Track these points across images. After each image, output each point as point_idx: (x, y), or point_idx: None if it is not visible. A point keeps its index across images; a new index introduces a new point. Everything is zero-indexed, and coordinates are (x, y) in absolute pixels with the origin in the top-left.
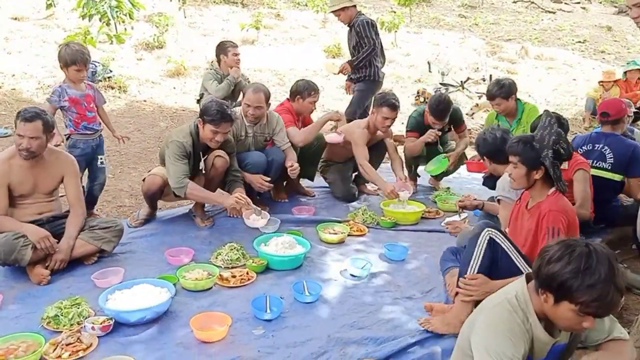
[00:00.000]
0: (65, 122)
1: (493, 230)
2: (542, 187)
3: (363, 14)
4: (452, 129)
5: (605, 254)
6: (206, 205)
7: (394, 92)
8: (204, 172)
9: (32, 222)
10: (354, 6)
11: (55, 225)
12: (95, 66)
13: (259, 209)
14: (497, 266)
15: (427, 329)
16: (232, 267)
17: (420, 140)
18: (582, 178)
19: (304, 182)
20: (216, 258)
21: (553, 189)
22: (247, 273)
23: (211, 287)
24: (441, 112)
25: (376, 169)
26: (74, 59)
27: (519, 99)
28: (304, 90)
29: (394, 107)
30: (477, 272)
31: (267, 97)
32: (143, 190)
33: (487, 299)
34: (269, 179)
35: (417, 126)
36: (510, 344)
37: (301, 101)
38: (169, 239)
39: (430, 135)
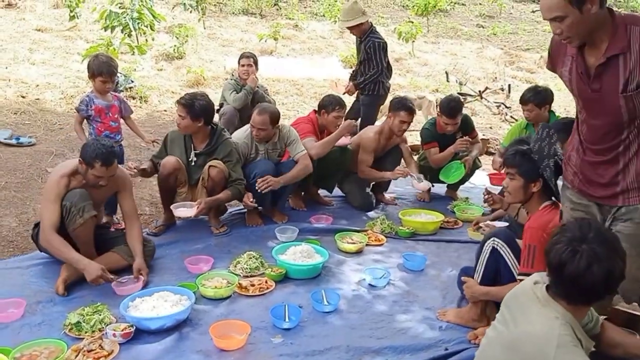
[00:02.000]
0: (89, 130)
1: (498, 240)
2: (537, 201)
3: (375, 31)
4: (463, 136)
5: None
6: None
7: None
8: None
9: None
10: (367, 20)
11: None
12: (118, 77)
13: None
14: (500, 275)
15: (442, 319)
16: (251, 276)
17: (449, 150)
18: None
19: (322, 192)
20: (235, 266)
21: (547, 202)
22: (266, 282)
23: (230, 296)
24: (452, 109)
25: None
26: (100, 70)
27: (552, 111)
28: (329, 105)
29: (411, 110)
30: (482, 279)
31: (274, 118)
32: (159, 176)
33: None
34: (252, 199)
35: (433, 137)
36: None
37: (326, 115)
38: (188, 247)
39: (462, 144)
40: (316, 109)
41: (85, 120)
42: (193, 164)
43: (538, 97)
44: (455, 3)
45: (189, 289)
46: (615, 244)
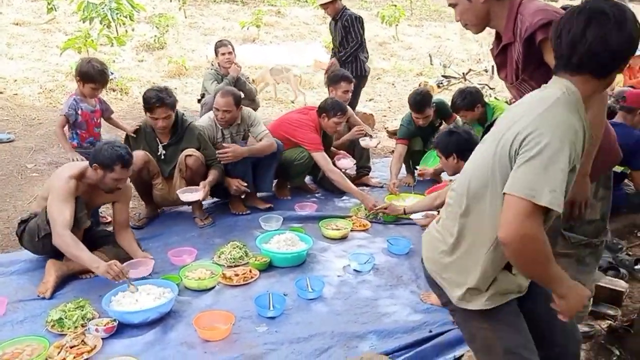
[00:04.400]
0: (71, 134)
1: None
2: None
3: (348, 9)
4: (444, 123)
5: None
6: (204, 204)
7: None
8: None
9: None
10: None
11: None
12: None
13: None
14: None
15: (425, 301)
16: (235, 266)
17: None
18: None
19: (307, 180)
20: (219, 257)
21: None
22: (250, 271)
23: (214, 286)
24: (418, 103)
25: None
26: (93, 79)
27: (487, 103)
28: (331, 110)
29: (349, 79)
30: None
31: (237, 99)
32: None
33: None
34: (245, 183)
35: (410, 133)
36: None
37: (326, 120)
38: (171, 239)
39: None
40: (317, 110)
41: (67, 123)
42: (163, 157)
43: (465, 103)
44: None
45: (172, 281)
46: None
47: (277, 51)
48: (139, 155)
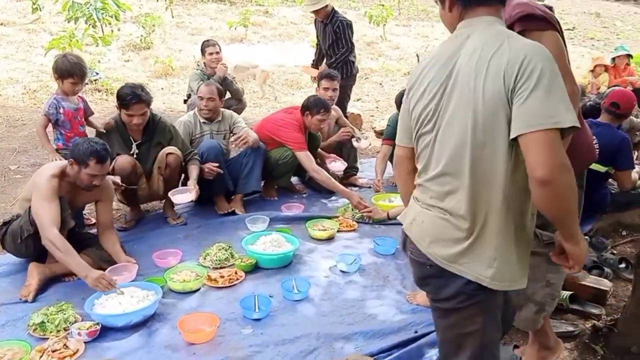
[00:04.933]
0: (55, 135)
1: None
2: None
3: (338, 12)
4: None
5: None
6: (176, 206)
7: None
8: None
9: None
10: (329, 3)
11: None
12: (88, 72)
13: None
14: None
15: (412, 302)
16: (221, 267)
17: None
18: None
19: (294, 180)
20: (204, 259)
21: None
22: (236, 273)
23: (199, 288)
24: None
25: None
26: (71, 72)
27: None
28: (314, 107)
29: (331, 76)
30: None
31: (219, 90)
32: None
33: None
34: (216, 164)
35: (395, 133)
36: None
37: (310, 117)
38: (157, 241)
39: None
40: (300, 109)
41: (50, 125)
42: (135, 155)
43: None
44: None
45: (156, 283)
46: None
47: (265, 51)
48: (125, 161)
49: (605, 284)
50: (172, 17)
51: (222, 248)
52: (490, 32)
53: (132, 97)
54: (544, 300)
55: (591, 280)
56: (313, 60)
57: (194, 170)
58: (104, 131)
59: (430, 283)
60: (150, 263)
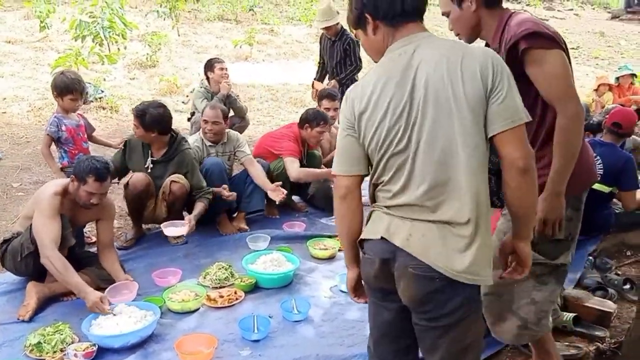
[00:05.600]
0: (60, 153)
1: None
2: None
3: (347, 31)
4: None
5: None
6: None
7: None
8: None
9: None
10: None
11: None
12: (87, 87)
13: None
14: None
15: None
16: (221, 287)
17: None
18: None
19: (296, 199)
20: (204, 278)
21: None
22: (235, 292)
23: (198, 308)
24: None
25: None
26: (70, 88)
27: None
28: (313, 120)
29: (332, 96)
30: None
31: (224, 112)
32: (128, 195)
33: None
34: (232, 194)
35: None
36: None
37: (309, 130)
38: (157, 259)
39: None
40: (299, 123)
41: (54, 144)
42: (149, 171)
43: None
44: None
45: (155, 303)
46: None
47: (270, 69)
48: (140, 179)
49: (609, 306)
50: (179, 35)
51: (222, 267)
52: (443, 43)
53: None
54: (527, 316)
55: (595, 302)
56: (315, 78)
57: (198, 207)
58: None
59: (433, 299)
60: (150, 282)
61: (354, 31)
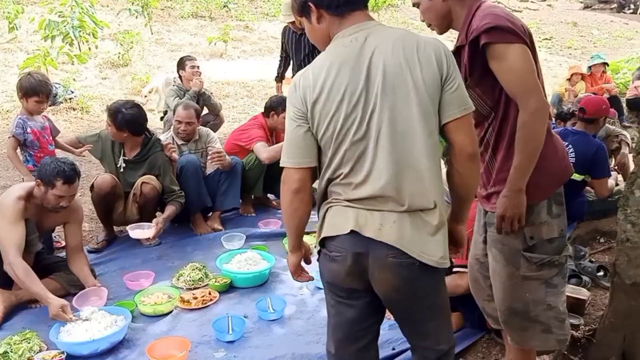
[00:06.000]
0: (24, 157)
1: None
2: None
3: None
4: None
5: None
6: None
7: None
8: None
9: None
10: None
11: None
12: (56, 88)
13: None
14: None
15: (389, 318)
16: (195, 288)
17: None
18: None
19: (271, 196)
20: (178, 279)
21: None
22: (210, 293)
23: (172, 311)
24: None
25: None
26: (36, 90)
27: None
28: (279, 106)
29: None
30: None
31: (198, 112)
32: (94, 197)
33: None
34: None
35: None
36: None
37: (275, 117)
38: (129, 262)
39: None
40: (263, 112)
41: (18, 147)
42: (122, 170)
43: None
44: None
45: (127, 307)
46: None
47: (245, 66)
48: (106, 180)
49: (583, 293)
50: (152, 33)
51: (196, 268)
52: (395, 31)
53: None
54: (548, 321)
55: (569, 290)
56: (278, 72)
57: (168, 210)
58: (81, 155)
59: (412, 286)
60: (122, 286)
61: (298, 19)
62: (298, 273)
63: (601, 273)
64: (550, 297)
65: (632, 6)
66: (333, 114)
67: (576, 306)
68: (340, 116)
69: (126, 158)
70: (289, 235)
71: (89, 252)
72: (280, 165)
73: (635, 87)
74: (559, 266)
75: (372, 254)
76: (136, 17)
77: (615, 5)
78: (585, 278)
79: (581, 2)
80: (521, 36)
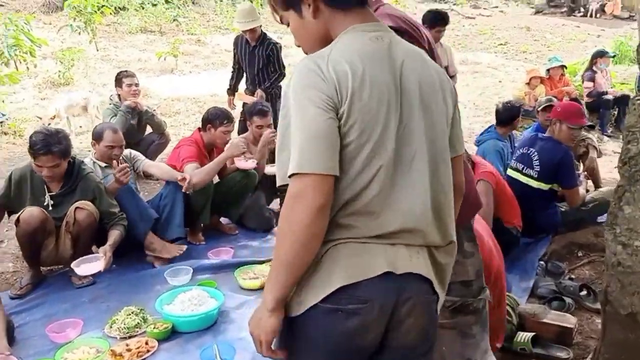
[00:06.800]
0: None
1: None
2: None
3: (268, 35)
4: None
5: None
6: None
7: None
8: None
9: None
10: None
11: None
12: None
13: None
14: None
15: None
16: (130, 337)
17: None
18: (483, 190)
19: (224, 220)
20: (110, 327)
21: None
22: (147, 343)
23: None
24: None
25: None
26: None
27: None
28: (216, 119)
29: (263, 112)
30: None
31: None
32: (19, 234)
33: None
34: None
35: None
36: None
37: (213, 131)
38: (56, 308)
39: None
40: (200, 126)
41: None
42: (50, 208)
43: None
44: None
45: None
46: None
47: (197, 81)
48: (34, 214)
49: (569, 321)
50: (97, 50)
51: (132, 312)
52: (409, 45)
53: (41, 147)
54: None
55: (553, 317)
56: (229, 85)
57: (113, 235)
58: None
59: (433, 330)
60: (45, 338)
61: (277, 16)
62: (270, 350)
63: (584, 292)
64: (468, 350)
65: (581, 9)
66: (374, 115)
67: (563, 335)
68: (380, 120)
69: (52, 193)
70: (284, 279)
71: (11, 298)
72: (293, 172)
73: (585, 87)
74: (475, 313)
75: (405, 294)
76: (79, 34)
77: (565, 9)
78: (568, 300)
79: (532, 7)
80: (417, 38)
